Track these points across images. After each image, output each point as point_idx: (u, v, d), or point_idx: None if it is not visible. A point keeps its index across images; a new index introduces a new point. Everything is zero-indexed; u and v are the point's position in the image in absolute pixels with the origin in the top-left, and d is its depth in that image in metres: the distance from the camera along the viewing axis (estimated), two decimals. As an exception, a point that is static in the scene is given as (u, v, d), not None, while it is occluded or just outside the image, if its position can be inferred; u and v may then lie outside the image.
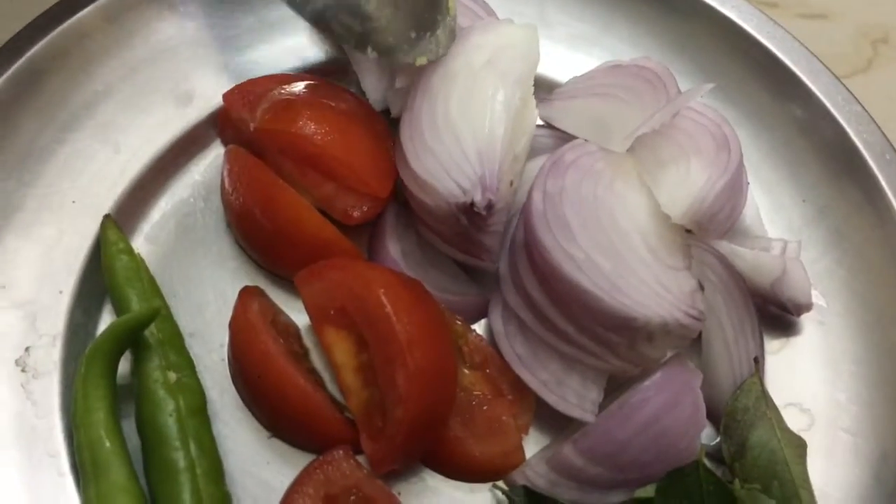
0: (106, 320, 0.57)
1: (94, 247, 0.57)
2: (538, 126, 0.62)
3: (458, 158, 0.55)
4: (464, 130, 0.55)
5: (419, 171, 0.55)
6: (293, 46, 0.65)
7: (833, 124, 0.61)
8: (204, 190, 0.61)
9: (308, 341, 0.57)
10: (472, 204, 0.53)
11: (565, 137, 0.60)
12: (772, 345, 0.58)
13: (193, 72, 0.62)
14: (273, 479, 0.53)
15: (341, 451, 0.51)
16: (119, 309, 0.55)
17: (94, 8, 0.61)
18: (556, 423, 0.55)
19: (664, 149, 0.56)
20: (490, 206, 0.54)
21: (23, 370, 0.53)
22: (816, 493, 0.51)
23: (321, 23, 0.56)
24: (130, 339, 0.52)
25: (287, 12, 0.58)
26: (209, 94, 0.62)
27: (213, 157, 0.62)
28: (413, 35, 0.56)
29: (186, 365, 0.54)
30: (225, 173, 0.59)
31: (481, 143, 0.54)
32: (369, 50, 0.56)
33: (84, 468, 0.50)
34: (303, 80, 0.61)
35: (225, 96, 0.60)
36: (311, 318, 0.54)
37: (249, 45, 0.64)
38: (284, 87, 0.59)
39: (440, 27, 0.57)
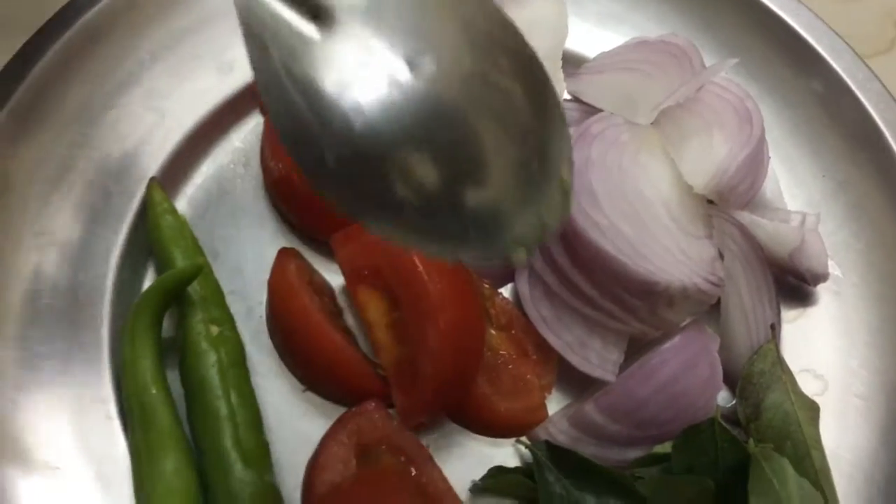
0: (150, 278, 0.60)
1: (140, 208, 0.60)
2: (565, 100, 0.64)
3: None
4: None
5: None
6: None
7: (854, 102, 0.62)
8: (244, 156, 0.64)
9: (342, 301, 0.60)
10: (502, 171, 0.56)
11: (592, 111, 0.62)
12: (788, 314, 0.60)
13: (235, 42, 0.64)
14: (308, 430, 0.55)
15: (373, 404, 0.54)
16: (163, 266, 0.58)
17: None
18: (578, 383, 0.57)
19: (688, 122, 0.58)
20: (519, 174, 0.56)
21: (72, 322, 0.56)
22: (828, 454, 0.54)
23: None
24: (175, 293, 0.55)
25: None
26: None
27: (253, 125, 0.65)
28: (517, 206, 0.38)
29: (227, 320, 0.57)
30: (265, 140, 0.62)
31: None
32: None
33: (131, 413, 0.53)
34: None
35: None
36: (345, 278, 0.57)
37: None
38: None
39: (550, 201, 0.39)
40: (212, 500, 0.51)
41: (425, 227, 0.36)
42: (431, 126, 0.36)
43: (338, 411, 0.56)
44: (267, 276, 0.59)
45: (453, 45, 0.37)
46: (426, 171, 0.35)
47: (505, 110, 0.37)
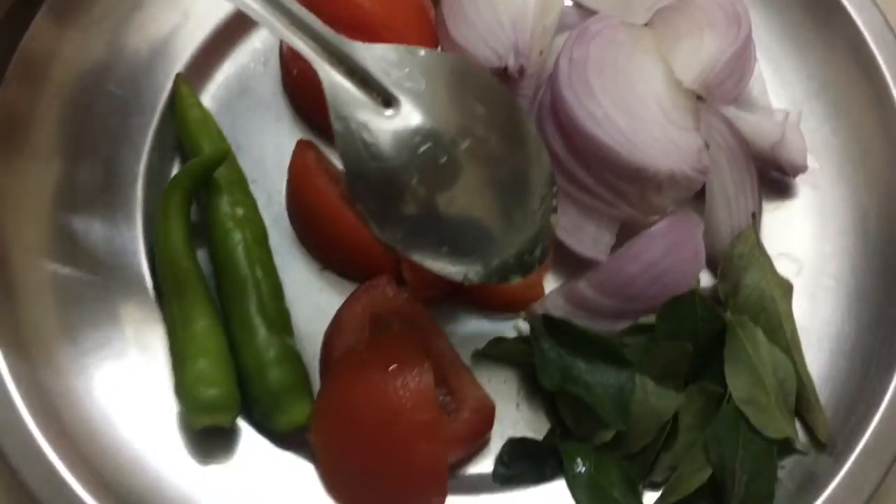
0: (178, 166, 0.64)
1: (168, 102, 0.64)
2: (566, 6, 0.68)
3: (495, 28, 0.61)
4: (499, 3, 0.61)
5: (459, 40, 0.62)
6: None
7: (839, 7, 0.66)
8: (263, 56, 0.68)
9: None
10: (507, 68, 0.60)
11: (590, 15, 0.66)
12: (769, 204, 0.64)
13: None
14: (325, 304, 0.60)
15: (385, 279, 0.59)
16: (191, 154, 0.62)
17: None
18: (573, 264, 0.62)
19: (680, 22, 0.62)
20: (522, 71, 0.60)
21: (109, 204, 0.61)
22: (799, 328, 0.59)
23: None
24: (204, 177, 0.60)
25: None
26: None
27: (271, 26, 0.69)
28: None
29: (250, 203, 0.61)
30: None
31: (515, 14, 0.61)
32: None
33: (166, 284, 0.58)
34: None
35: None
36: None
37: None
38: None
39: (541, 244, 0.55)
40: (240, 362, 0.56)
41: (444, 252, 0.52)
42: (461, 184, 0.52)
43: (352, 287, 0.61)
44: (285, 166, 0.63)
45: (475, 123, 0.53)
46: (449, 212, 0.52)
47: (505, 172, 0.54)
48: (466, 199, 0.52)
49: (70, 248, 0.59)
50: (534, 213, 0.54)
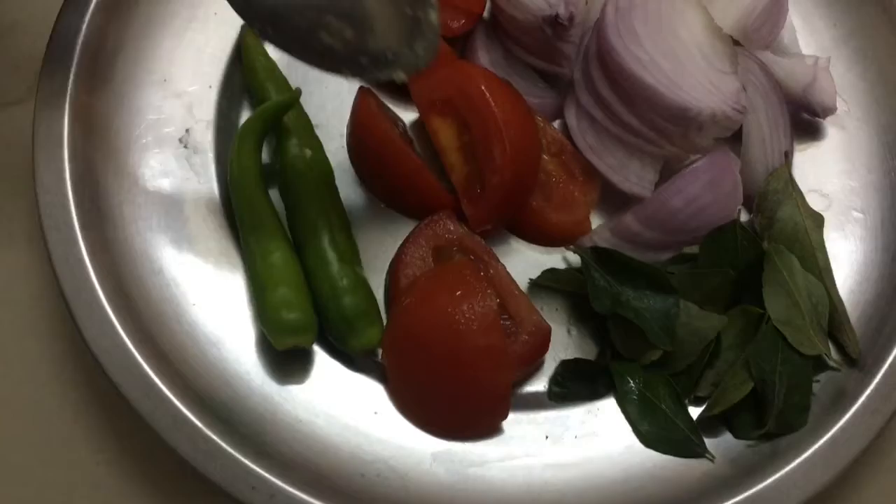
0: (246, 111, 0.68)
1: (235, 51, 0.68)
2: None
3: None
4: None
5: (510, -12, 0.66)
6: None
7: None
8: (321, 9, 0.72)
9: (411, 134, 0.69)
10: (557, 16, 0.64)
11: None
12: (800, 144, 0.69)
13: None
14: (387, 240, 0.65)
15: (445, 213, 0.64)
16: (260, 100, 0.66)
17: None
18: (619, 200, 0.66)
19: (719, -27, 0.66)
20: (571, 18, 0.64)
21: (185, 147, 0.65)
22: (830, 256, 0.64)
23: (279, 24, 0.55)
24: (274, 119, 0.64)
25: None
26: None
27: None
28: (400, 45, 0.56)
29: (317, 146, 0.65)
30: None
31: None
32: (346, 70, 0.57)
33: (242, 220, 0.62)
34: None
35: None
36: (419, 108, 0.66)
37: None
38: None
39: (421, 37, 0.57)
40: (315, 290, 0.60)
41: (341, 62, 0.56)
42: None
43: (412, 224, 0.65)
44: (345, 112, 0.67)
45: None
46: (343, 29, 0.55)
47: None
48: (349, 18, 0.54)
49: (153, 198, 0.63)
50: (401, 6, 0.56)
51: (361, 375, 0.61)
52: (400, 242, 0.64)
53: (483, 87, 0.62)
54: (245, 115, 0.68)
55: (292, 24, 0.55)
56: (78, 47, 0.62)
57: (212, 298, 0.61)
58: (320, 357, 0.61)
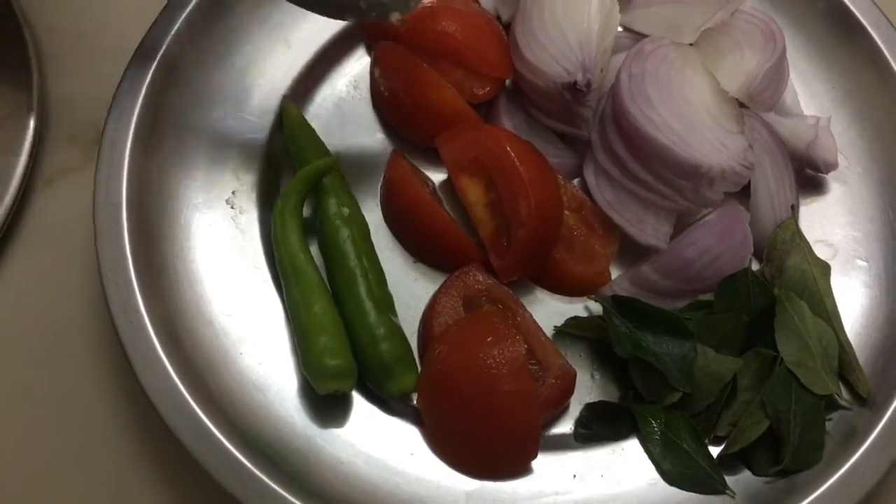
0: (287, 174, 0.73)
1: (276, 119, 0.74)
2: (620, 32, 0.77)
3: (564, 48, 0.70)
4: (567, 27, 0.70)
5: (532, 60, 0.71)
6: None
7: (859, 25, 0.76)
8: (355, 80, 0.77)
9: (440, 193, 0.74)
10: (576, 83, 0.69)
11: (641, 38, 0.75)
12: (805, 198, 0.74)
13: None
14: (419, 290, 0.69)
15: (474, 266, 0.68)
16: (300, 163, 0.71)
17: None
18: (636, 252, 0.71)
19: (723, 42, 0.72)
20: (589, 84, 0.69)
21: (231, 207, 0.70)
22: (837, 301, 0.67)
23: None
24: (315, 182, 0.69)
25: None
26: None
27: (360, 54, 0.78)
28: None
29: (354, 204, 0.70)
30: (375, 63, 0.76)
31: (581, 36, 0.70)
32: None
33: (285, 274, 0.66)
34: (434, -8, 0.77)
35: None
36: (448, 168, 0.71)
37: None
38: (422, -3, 0.75)
39: None
40: (354, 338, 0.64)
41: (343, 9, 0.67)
42: None
43: (442, 276, 0.70)
44: (378, 173, 0.73)
45: None
46: None
47: None
48: None
49: (206, 246, 0.68)
50: None
51: (398, 419, 0.65)
52: (430, 293, 0.69)
53: (508, 148, 0.67)
54: (286, 178, 0.73)
55: None
56: (134, 118, 0.68)
57: (257, 347, 0.65)
58: (359, 402, 0.65)
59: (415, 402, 0.65)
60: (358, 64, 0.79)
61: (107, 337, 0.68)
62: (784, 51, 0.71)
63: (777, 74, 0.71)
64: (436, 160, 0.73)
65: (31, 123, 0.73)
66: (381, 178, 0.73)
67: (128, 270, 0.63)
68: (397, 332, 0.65)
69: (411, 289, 0.70)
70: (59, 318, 0.69)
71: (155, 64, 0.69)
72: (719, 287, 0.66)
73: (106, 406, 0.67)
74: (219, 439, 0.59)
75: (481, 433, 0.63)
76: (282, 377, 0.65)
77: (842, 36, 0.77)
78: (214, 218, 0.69)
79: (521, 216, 0.66)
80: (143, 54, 0.70)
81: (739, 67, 0.70)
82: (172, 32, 0.71)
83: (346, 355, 0.63)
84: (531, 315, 0.67)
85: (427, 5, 0.75)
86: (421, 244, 0.71)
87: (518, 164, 0.66)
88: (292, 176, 0.70)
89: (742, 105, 0.70)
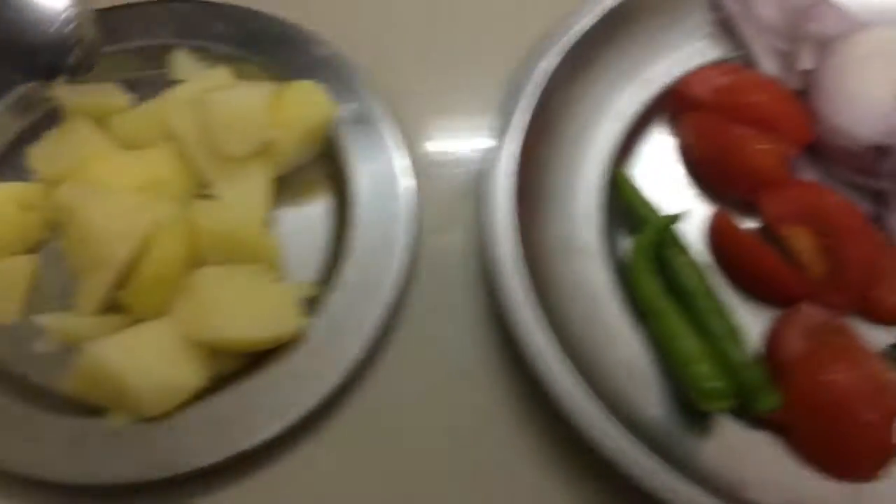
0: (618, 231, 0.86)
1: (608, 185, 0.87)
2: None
3: (867, 114, 0.82)
4: (873, 89, 0.83)
5: (840, 124, 0.83)
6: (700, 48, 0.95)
7: None
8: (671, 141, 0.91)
9: (755, 240, 0.86)
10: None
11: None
12: None
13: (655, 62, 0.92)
14: (748, 325, 0.80)
15: (807, 303, 0.79)
16: (640, 220, 0.84)
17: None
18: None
19: None
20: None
21: (587, 257, 0.83)
22: None
23: None
24: (661, 235, 0.81)
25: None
26: (660, 79, 0.92)
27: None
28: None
29: (688, 252, 0.83)
30: (686, 130, 0.89)
31: (884, 105, 0.82)
32: None
33: (649, 313, 0.79)
34: (734, 68, 0.90)
35: (682, 80, 0.90)
36: (770, 219, 0.83)
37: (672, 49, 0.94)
38: (724, 73, 0.89)
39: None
40: (724, 364, 0.76)
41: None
42: None
43: (769, 312, 0.81)
44: (697, 228, 0.85)
45: None
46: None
47: None
48: None
49: (572, 286, 0.81)
50: None
51: (759, 432, 0.76)
52: (758, 328, 0.81)
53: (833, 201, 0.79)
54: (619, 235, 0.86)
55: None
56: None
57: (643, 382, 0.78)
58: (722, 417, 0.77)
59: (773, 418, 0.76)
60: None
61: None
62: None
63: None
64: (746, 214, 0.86)
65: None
66: (708, 229, 0.85)
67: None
68: (754, 360, 0.77)
69: (742, 323, 0.81)
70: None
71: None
72: None
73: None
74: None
75: (844, 446, 0.73)
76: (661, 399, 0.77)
77: None
78: (582, 266, 0.83)
79: (851, 260, 0.78)
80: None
81: None
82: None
83: (724, 378, 0.74)
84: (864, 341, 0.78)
85: (730, 78, 0.88)
86: (751, 285, 0.82)
87: (844, 214, 0.79)
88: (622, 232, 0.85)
89: None
